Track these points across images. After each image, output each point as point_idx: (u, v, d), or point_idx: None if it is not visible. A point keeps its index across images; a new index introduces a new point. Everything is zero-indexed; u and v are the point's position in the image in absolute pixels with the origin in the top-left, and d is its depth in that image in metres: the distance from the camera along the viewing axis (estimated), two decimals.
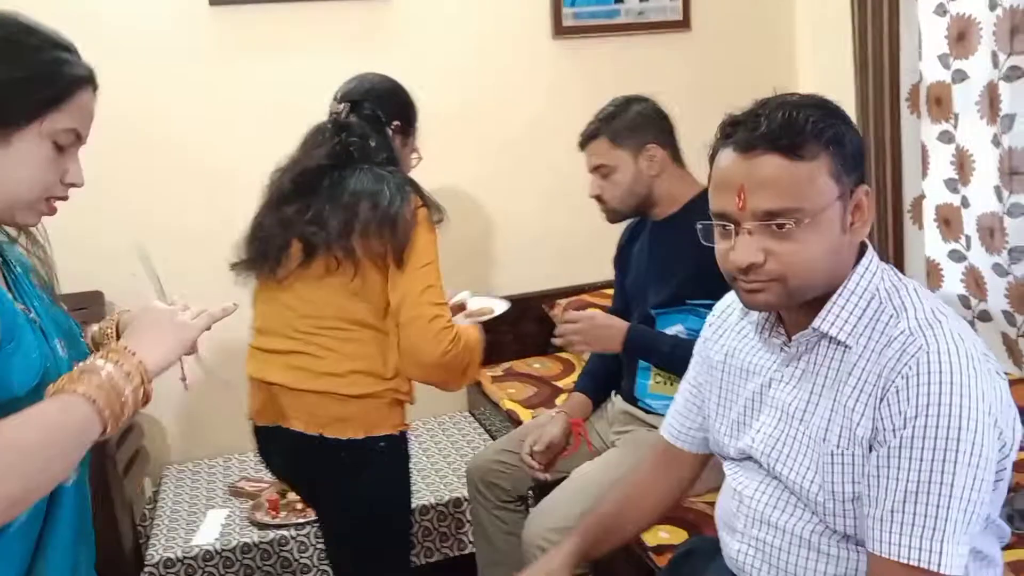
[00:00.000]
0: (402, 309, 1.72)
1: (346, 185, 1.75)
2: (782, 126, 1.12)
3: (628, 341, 1.99)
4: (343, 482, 1.77)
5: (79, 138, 1.09)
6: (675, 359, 1.98)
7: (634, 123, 2.05)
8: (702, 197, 2.00)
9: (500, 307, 2.14)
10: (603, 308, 2.43)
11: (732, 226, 1.16)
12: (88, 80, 1.09)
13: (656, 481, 1.50)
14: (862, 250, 1.21)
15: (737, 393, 1.34)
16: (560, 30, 3.09)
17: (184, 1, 2.73)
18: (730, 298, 1.40)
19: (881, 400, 1.11)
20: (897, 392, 1.09)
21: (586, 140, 2.09)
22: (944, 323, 1.12)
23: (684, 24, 3.23)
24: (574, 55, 3.14)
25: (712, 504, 1.90)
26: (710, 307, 1.48)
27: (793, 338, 1.23)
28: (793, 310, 1.23)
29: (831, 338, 1.18)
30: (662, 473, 1.50)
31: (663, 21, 3.21)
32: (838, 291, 1.18)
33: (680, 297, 2.02)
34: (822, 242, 1.13)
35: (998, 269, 2.54)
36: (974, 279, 2.63)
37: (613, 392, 2.25)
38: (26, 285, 1.15)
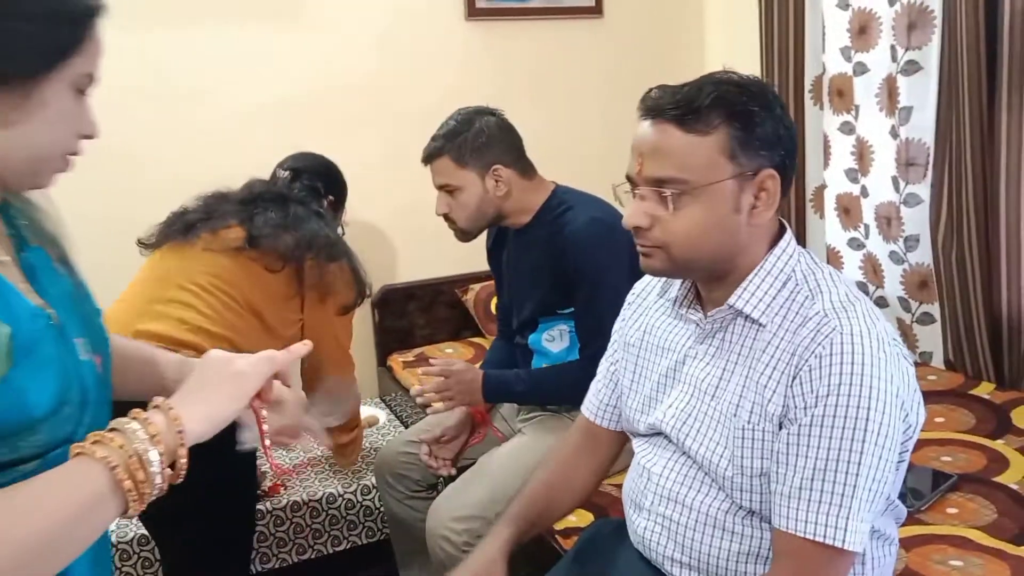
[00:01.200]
0: (329, 359, 2.06)
1: (302, 214, 2.00)
2: (684, 97, 1.14)
3: (486, 389, 1.97)
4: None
5: (92, 81, 0.96)
6: (534, 392, 2.02)
7: (477, 142, 1.96)
8: (553, 198, 2.03)
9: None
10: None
11: (631, 188, 1.20)
12: (102, 11, 0.95)
13: (580, 461, 1.49)
14: (781, 233, 1.23)
15: (651, 369, 1.35)
16: (473, 11, 3.06)
17: None
18: (647, 279, 1.40)
19: (794, 378, 1.12)
20: (810, 371, 1.10)
21: (429, 158, 2.01)
22: (857, 306, 1.15)
23: (596, 11, 3.23)
24: (487, 37, 3.11)
25: (619, 486, 1.91)
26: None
27: (708, 314, 1.25)
28: (710, 287, 1.25)
29: (746, 316, 1.20)
30: (585, 453, 1.49)
31: (576, 7, 3.20)
32: (754, 271, 1.19)
33: (550, 307, 2.02)
34: (707, 217, 1.15)
35: (894, 257, 2.63)
36: (872, 266, 2.72)
37: None
38: (44, 269, 1.00)
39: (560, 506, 1.49)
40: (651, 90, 1.19)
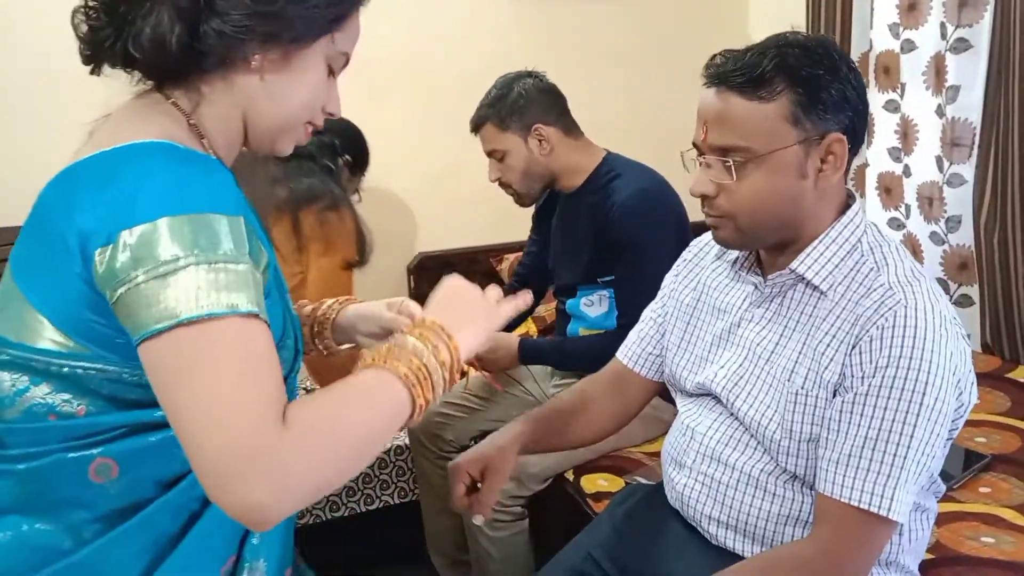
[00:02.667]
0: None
1: (305, 168, 1.93)
2: (745, 65, 1.13)
3: (521, 353, 2.02)
4: None
5: (346, 61, 1.04)
6: (567, 359, 2.06)
7: (516, 105, 2.01)
8: (603, 165, 2.04)
9: None
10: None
11: (698, 156, 1.21)
12: None
13: (605, 401, 1.50)
14: (848, 203, 1.22)
15: (704, 330, 1.36)
16: None
17: None
18: (707, 236, 1.40)
19: (853, 347, 1.13)
20: (871, 341, 1.11)
21: (475, 127, 2.08)
22: (923, 282, 1.15)
23: None
24: (526, 9, 3.10)
25: (650, 454, 1.94)
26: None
27: (768, 278, 1.25)
28: (771, 252, 1.25)
29: (807, 282, 1.20)
30: (611, 395, 1.50)
31: None
32: (819, 238, 1.19)
33: (593, 275, 2.05)
34: (771, 184, 1.15)
35: (935, 238, 2.60)
36: (912, 247, 2.69)
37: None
38: (259, 231, 1.03)
39: (575, 433, 1.48)
40: (715, 56, 1.19)
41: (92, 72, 0.97)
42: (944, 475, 1.74)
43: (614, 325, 2.00)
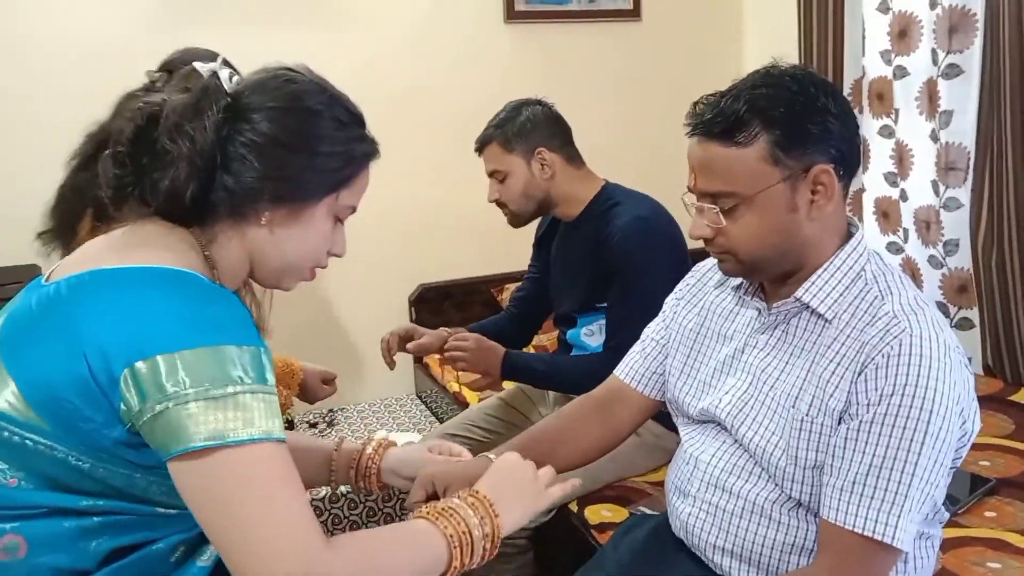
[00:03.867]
0: None
1: None
2: (720, 113, 1.16)
3: (505, 364, 2.00)
4: None
5: (353, 212, 1.12)
6: (553, 375, 2.03)
7: (523, 128, 2.04)
8: (602, 194, 2.06)
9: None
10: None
11: (693, 201, 1.24)
12: (375, 155, 1.11)
13: (593, 423, 1.49)
14: (851, 232, 1.24)
15: (708, 355, 1.36)
16: (512, 15, 3.09)
17: None
18: (711, 261, 1.41)
19: (859, 375, 1.13)
20: (876, 369, 1.12)
21: (480, 146, 2.10)
22: (926, 311, 1.16)
23: (635, 14, 3.25)
24: (526, 41, 3.14)
25: (654, 484, 1.93)
26: None
27: (773, 306, 1.26)
28: (775, 280, 1.26)
29: (812, 310, 1.21)
30: (601, 416, 1.49)
31: (614, 10, 3.22)
32: (823, 266, 1.21)
33: (591, 302, 2.06)
34: (764, 222, 1.17)
35: (934, 261, 2.62)
36: (911, 270, 2.70)
37: None
38: None
39: (560, 457, 1.43)
40: (695, 104, 1.22)
41: (116, 209, 1.04)
42: (950, 499, 1.74)
43: None
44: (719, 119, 1.16)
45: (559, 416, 1.53)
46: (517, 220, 2.14)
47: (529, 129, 2.05)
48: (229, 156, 0.99)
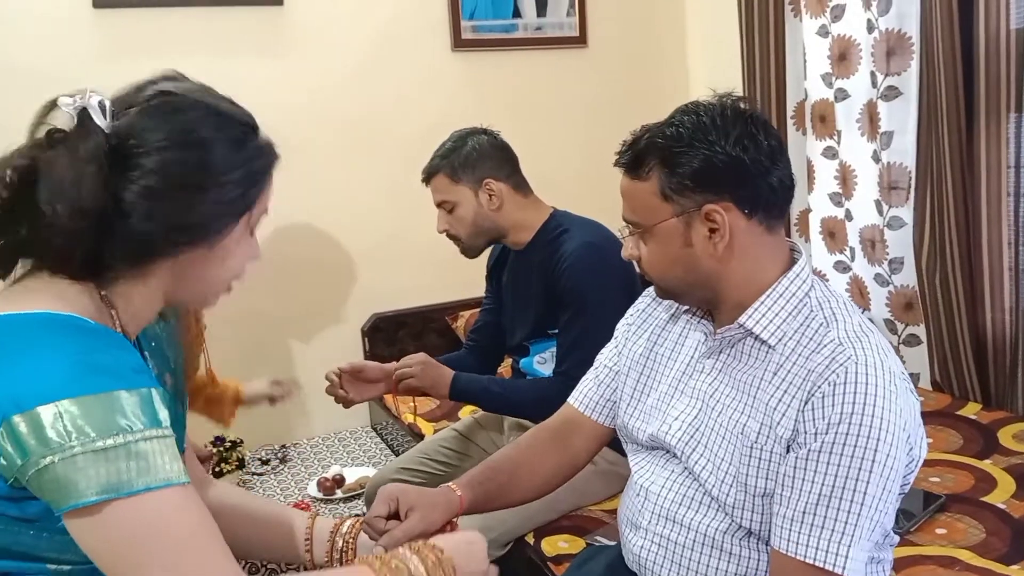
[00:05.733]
0: None
1: None
2: (629, 147, 1.24)
3: (455, 382, 1.99)
4: None
5: (266, 214, 1.06)
6: (502, 396, 2.01)
7: (470, 159, 2.04)
8: (550, 221, 2.07)
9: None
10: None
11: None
12: (275, 161, 1.05)
13: (550, 451, 1.48)
14: (794, 258, 1.25)
15: (657, 380, 1.36)
16: (459, 43, 3.10)
17: (67, 3, 2.61)
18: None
19: (806, 403, 1.14)
20: (823, 397, 1.12)
21: (427, 177, 2.09)
22: (871, 337, 1.17)
23: (581, 40, 3.28)
24: (473, 68, 3.15)
25: (610, 512, 1.92)
26: None
27: (718, 331, 1.27)
28: (716, 309, 1.28)
29: (756, 336, 1.22)
30: (558, 444, 1.48)
31: (560, 37, 3.25)
32: (767, 292, 1.21)
33: (542, 329, 2.05)
34: (662, 253, 1.24)
35: (880, 279, 2.66)
36: (858, 289, 2.75)
37: None
38: (156, 361, 1.08)
39: (518, 488, 1.44)
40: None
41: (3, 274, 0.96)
42: (904, 514, 1.76)
43: None
44: (627, 152, 1.23)
45: (515, 447, 1.51)
46: (469, 251, 2.14)
47: (475, 159, 2.04)
48: (122, 209, 0.90)
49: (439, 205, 2.09)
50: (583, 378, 1.52)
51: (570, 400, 1.52)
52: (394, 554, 1.00)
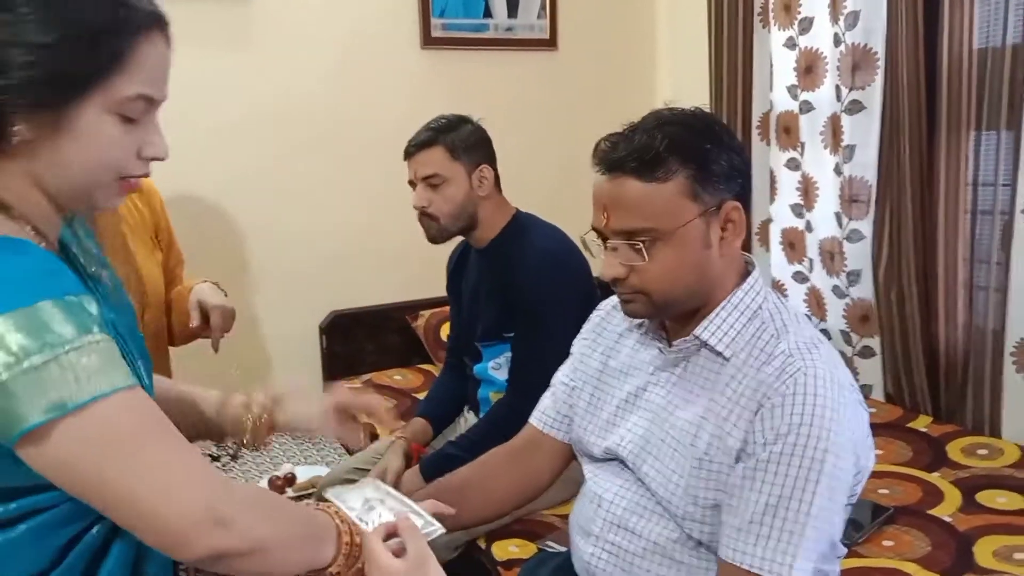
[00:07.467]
0: None
1: None
2: (637, 149, 1.16)
3: (425, 470, 1.86)
4: None
5: (152, 102, 0.89)
6: (473, 452, 1.77)
7: (469, 140, 2.01)
8: (513, 223, 2.04)
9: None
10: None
11: (601, 241, 1.22)
12: (155, 23, 0.87)
13: (506, 472, 1.46)
14: (748, 270, 1.25)
15: (611, 394, 1.35)
16: (429, 40, 3.08)
17: None
18: (613, 301, 1.40)
19: (755, 414, 1.13)
20: (772, 408, 1.12)
21: (418, 148, 2.00)
22: (822, 349, 1.17)
23: (551, 43, 3.27)
24: (442, 66, 3.13)
25: (562, 517, 1.91)
26: None
27: (674, 344, 1.26)
28: (677, 318, 1.26)
29: (710, 348, 1.21)
30: (516, 465, 1.47)
31: (530, 39, 3.24)
32: (721, 303, 1.21)
33: (497, 331, 2.03)
34: (682, 258, 1.17)
35: (837, 291, 2.68)
36: (816, 299, 2.77)
37: (466, 408, 2.23)
38: (103, 297, 0.99)
39: (467, 508, 1.36)
40: (601, 142, 1.21)
41: None
42: (853, 524, 1.77)
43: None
44: (634, 155, 1.16)
45: (470, 466, 1.49)
46: (442, 234, 2.04)
47: (474, 142, 2.02)
48: None
49: (425, 179, 2.00)
50: (542, 396, 1.51)
51: (530, 419, 1.50)
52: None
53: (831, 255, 2.67)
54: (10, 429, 0.78)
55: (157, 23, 0.88)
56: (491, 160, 2.05)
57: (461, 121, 2.04)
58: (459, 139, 2.00)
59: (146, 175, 0.93)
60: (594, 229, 1.23)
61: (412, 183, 2.04)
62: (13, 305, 0.78)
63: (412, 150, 2.02)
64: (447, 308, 3.04)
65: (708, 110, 1.25)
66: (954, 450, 2.18)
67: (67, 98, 0.83)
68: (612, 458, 1.32)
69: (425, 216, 2.03)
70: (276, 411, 1.22)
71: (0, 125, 0.82)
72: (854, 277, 2.61)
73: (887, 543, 1.75)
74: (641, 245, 1.16)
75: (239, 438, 1.22)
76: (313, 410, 1.24)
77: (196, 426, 1.22)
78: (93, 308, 0.83)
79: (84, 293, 0.84)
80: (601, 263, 1.23)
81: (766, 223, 2.92)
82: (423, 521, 1.09)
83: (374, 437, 2.49)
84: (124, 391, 0.82)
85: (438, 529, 1.10)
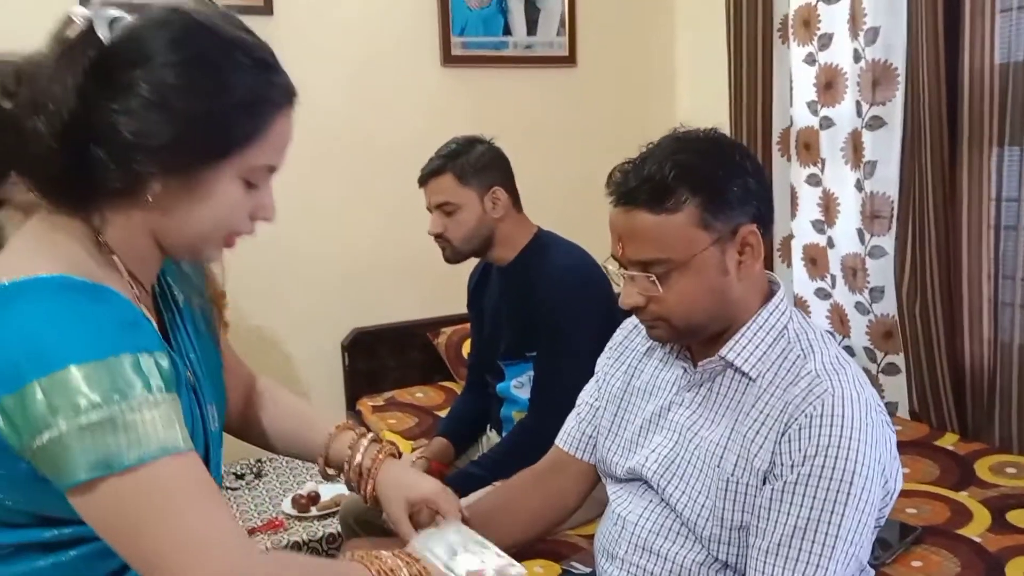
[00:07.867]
0: None
1: None
2: (646, 181, 1.16)
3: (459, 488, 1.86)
4: None
5: (274, 170, 0.95)
6: (495, 475, 1.85)
7: (479, 163, 2.01)
8: (535, 241, 2.05)
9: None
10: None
11: (620, 269, 1.22)
12: (290, 102, 0.94)
13: (539, 491, 1.45)
14: (773, 290, 1.25)
15: (635, 413, 1.35)
16: (449, 59, 3.10)
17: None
18: (635, 319, 1.39)
19: (783, 435, 1.13)
20: (799, 429, 1.12)
21: (429, 176, 2.03)
22: (848, 369, 1.17)
23: (570, 60, 3.29)
24: (462, 84, 3.15)
25: (587, 537, 1.90)
26: None
27: (699, 364, 1.26)
28: (700, 340, 1.26)
29: (736, 368, 1.21)
30: (545, 485, 1.46)
31: (550, 56, 3.26)
32: (747, 324, 1.21)
33: (519, 350, 2.03)
34: (698, 286, 1.17)
35: (860, 307, 2.67)
36: (838, 316, 2.75)
37: (488, 427, 2.23)
38: (186, 329, 1.02)
39: (497, 532, 1.33)
40: (614, 171, 1.21)
41: None
42: (882, 544, 1.76)
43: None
44: (644, 187, 1.15)
45: (496, 490, 1.50)
46: (456, 256, 2.08)
47: (484, 164, 2.02)
48: (97, 125, 0.82)
49: (439, 206, 2.03)
50: (568, 417, 1.51)
51: (556, 441, 1.50)
52: (382, 558, 1.01)
53: (853, 271, 2.66)
54: (59, 479, 0.80)
55: (291, 101, 0.95)
56: (505, 180, 2.05)
57: (471, 144, 2.04)
58: (468, 164, 2.00)
59: (251, 233, 0.97)
60: (613, 256, 1.24)
61: (429, 209, 2.06)
62: (86, 356, 0.79)
63: (423, 179, 2.05)
64: (468, 325, 3.07)
65: (727, 128, 1.25)
66: (982, 468, 2.16)
67: (208, 164, 0.88)
68: (635, 478, 1.32)
69: (440, 239, 2.06)
70: (382, 469, 1.24)
71: (139, 183, 0.86)
72: (877, 293, 2.60)
73: (916, 563, 1.74)
74: (655, 277, 1.16)
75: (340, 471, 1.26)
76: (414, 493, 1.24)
77: (303, 452, 1.28)
78: (164, 362, 0.85)
79: (158, 349, 0.85)
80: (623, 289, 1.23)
81: (787, 239, 2.91)
82: (505, 562, 1.10)
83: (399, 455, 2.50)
84: (174, 455, 0.83)
85: (521, 571, 1.11)
